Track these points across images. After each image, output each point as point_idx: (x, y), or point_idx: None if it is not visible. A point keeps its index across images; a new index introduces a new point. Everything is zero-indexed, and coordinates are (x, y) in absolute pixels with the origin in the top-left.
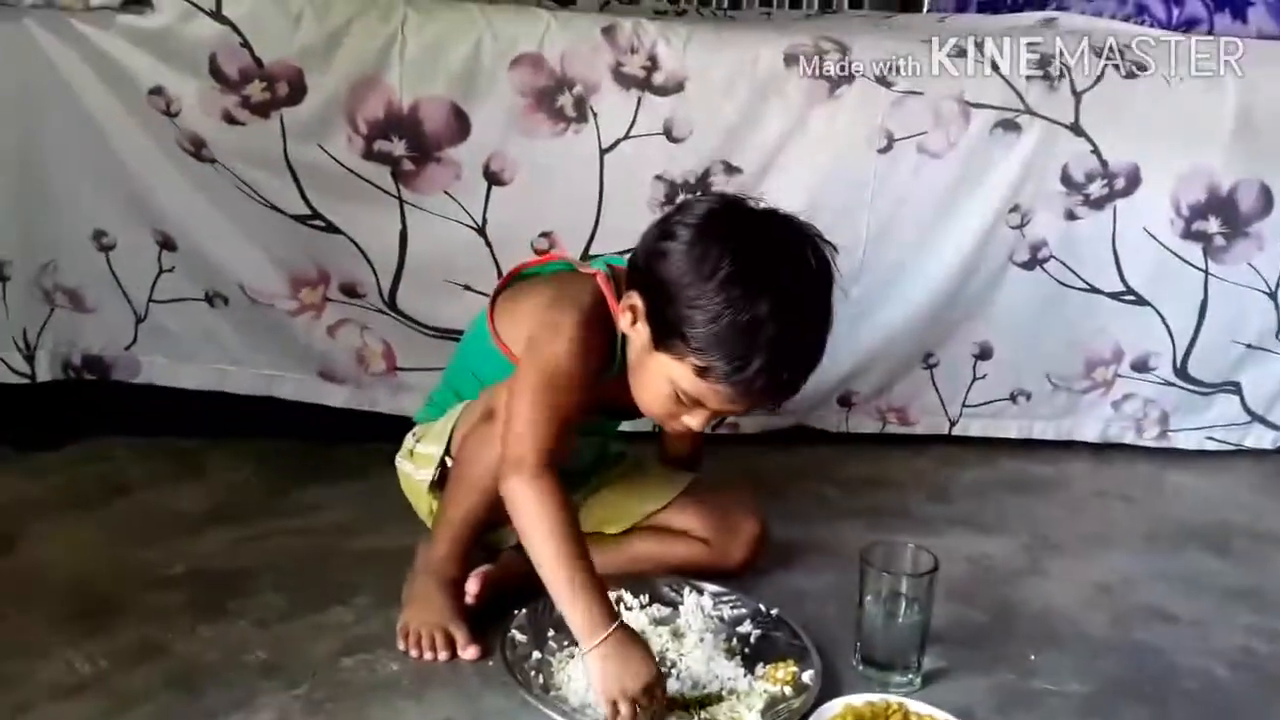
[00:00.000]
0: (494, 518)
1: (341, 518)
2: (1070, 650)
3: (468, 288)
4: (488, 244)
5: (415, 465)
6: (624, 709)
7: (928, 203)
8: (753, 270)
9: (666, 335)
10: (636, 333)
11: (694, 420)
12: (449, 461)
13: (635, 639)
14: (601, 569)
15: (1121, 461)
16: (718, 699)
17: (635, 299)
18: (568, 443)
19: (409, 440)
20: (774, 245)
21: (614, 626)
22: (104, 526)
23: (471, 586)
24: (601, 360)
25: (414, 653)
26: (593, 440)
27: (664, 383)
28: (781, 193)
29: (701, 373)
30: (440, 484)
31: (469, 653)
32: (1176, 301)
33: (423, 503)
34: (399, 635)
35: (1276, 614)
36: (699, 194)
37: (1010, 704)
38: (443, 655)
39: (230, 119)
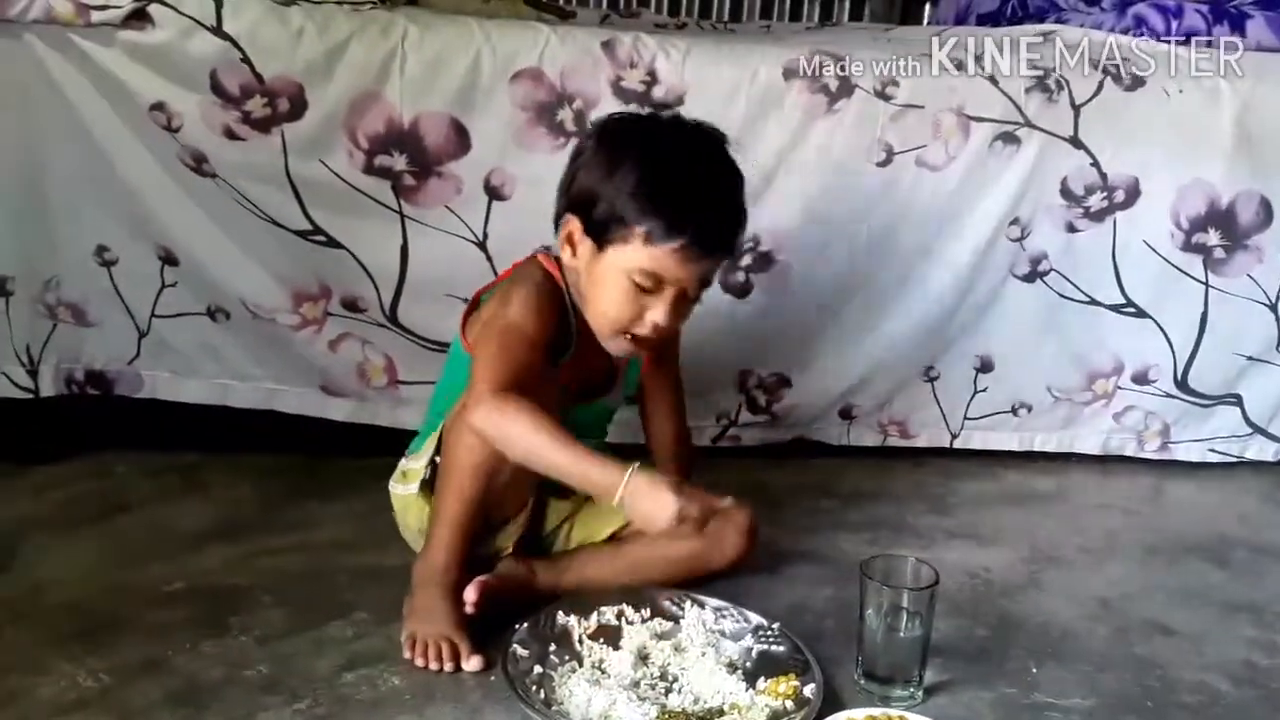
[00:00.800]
0: (487, 513)
1: (343, 533)
2: (1071, 664)
3: (468, 301)
4: (488, 258)
5: (405, 484)
6: (671, 534)
7: (928, 216)
8: (654, 145)
9: (606, 229)
10: (580, 257)
11: (658, 312)
12: (439, 460)
13: (651, 479)
14: (603, 577)
15: (1122, 473)
16: (719, 713)
17: (569, 222)
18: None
19: (401, 463)
20: (665, 125)
21: (627, 478)
22: (106, 542)
23: (470, 595)
24: (554, 323)
25: (419, 662)
26: (591, 445)
27: (620, 278)
28: (781, 206)
29: (649, 239)
30: (432, 486)
31: (472, 663)
32: (1177, 314)
33: (412, 519)
34: (405, 645)
35: (1277, 627)
36: None
37: (1011, 718)
38: (448, 666)
39: (231, 134)
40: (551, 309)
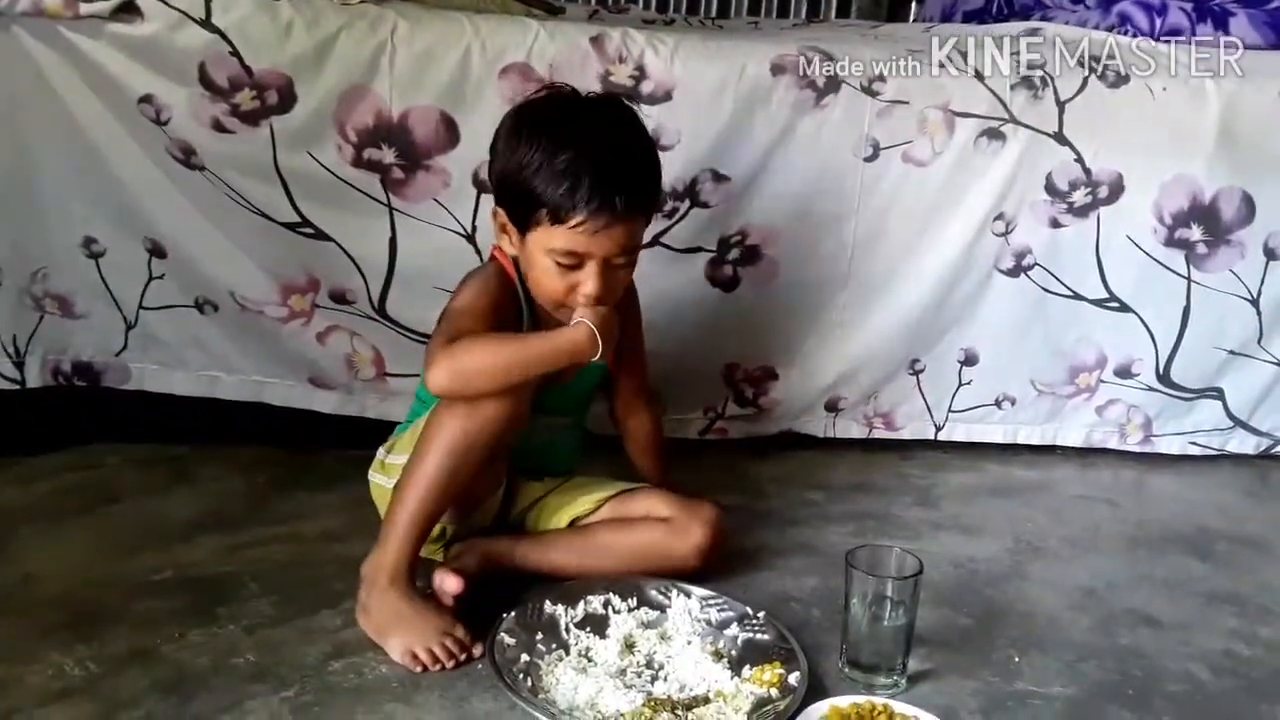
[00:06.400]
0: (463, 499)
1: (330, 523)
2: (1054, 653)
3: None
4: (477, 251)
5: (386, 476)
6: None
7: (913, 211)
8: (546, 122)
9: (523, 216)
10: (513, 243)
11: (588, 285)
12: None
13: (591, 319)
14: (564, 560)
15: (1105, 466)
16: (705, 701)
17: (498, 214)
18: None
19: (380, 453)
20: (559, 101)
21: (585, 325)
22: (93, 533)
23: (452, 586)
24: (502, 304)
25: (435, 669)
26: (559, 426)
27: (545, 259)
28: (768, 200)
29: (555, 219)
30: None
31: (478, 650)
32: (1159, 308)
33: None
34: (406, 662)
35: (1259, 618)
36: None
37: (994, 706)
38: (462, 657)
39: (220, 127)
40: (500, 289)
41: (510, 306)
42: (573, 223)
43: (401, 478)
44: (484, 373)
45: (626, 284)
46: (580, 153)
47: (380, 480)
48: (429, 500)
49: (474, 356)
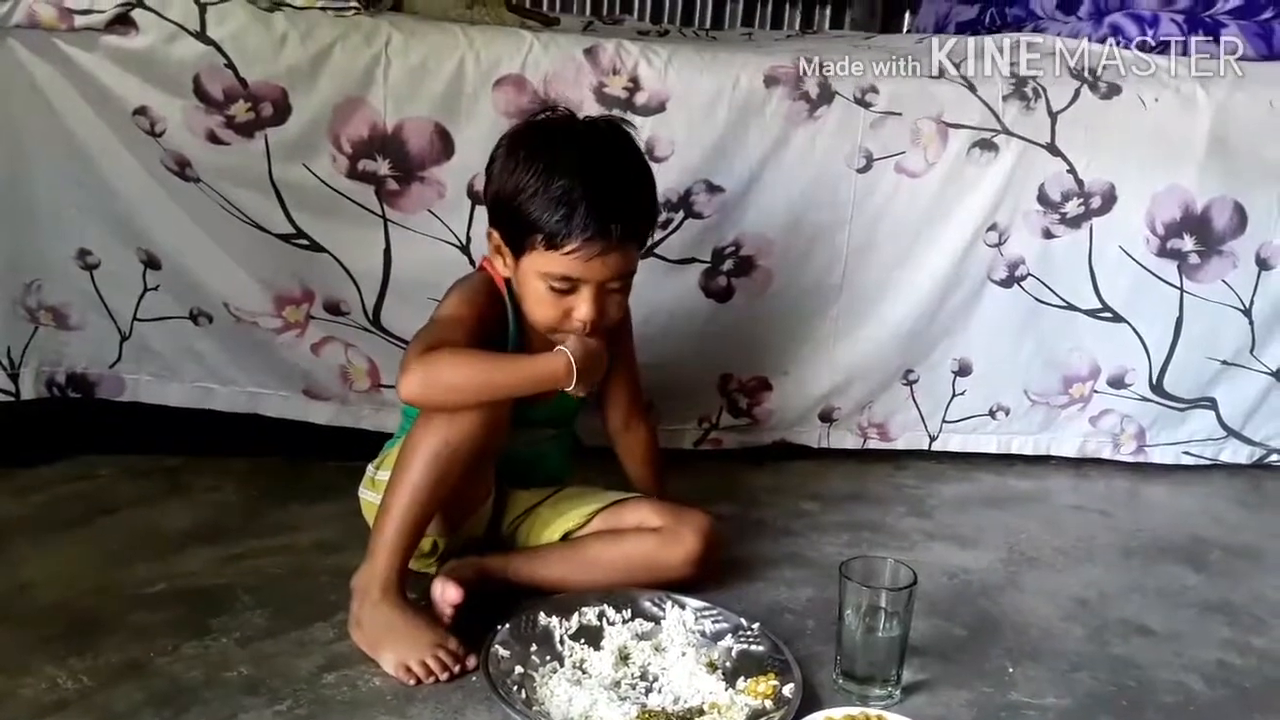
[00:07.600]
0: (451, 510)
1: (324, 535)
2: (1048, 664)
3: None
4: (471, 262)
5: (375, 492)
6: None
7: (907, 221)
8: (543, 147)
9: (517, 240)
10: (507, 265)
11: (582, 310)
12: None
13: (573, 346)
14: (558, 574)
15: (1099, 476)
16: (699, 713)
17: (492, 235)
18: None
19: (370, 469)
20: (556, 125)
21: (567, 353)
22: (88, 544)
23: (452, 596)
24: (489, 315)
25: (429, 682)
26: (544, 436)
27: (538, 283)
28: (762, 211)
29: (550, 245)
30: None
31: (470, 661)
32: (1152, 318)
33: None
34: (399, 675)
35: (1252, 628)
36: None
37: (988, 717)
38: (455, 669)
39: (215, 139)
40: (487, 300)
41: (496, 318)
42: (567, 249)
43: (387, 490)
44: (456, 388)
45: (622, 307)
46: (576, 179)
47: (370, 496)
48: (415, 510)
49: (448, 371)
